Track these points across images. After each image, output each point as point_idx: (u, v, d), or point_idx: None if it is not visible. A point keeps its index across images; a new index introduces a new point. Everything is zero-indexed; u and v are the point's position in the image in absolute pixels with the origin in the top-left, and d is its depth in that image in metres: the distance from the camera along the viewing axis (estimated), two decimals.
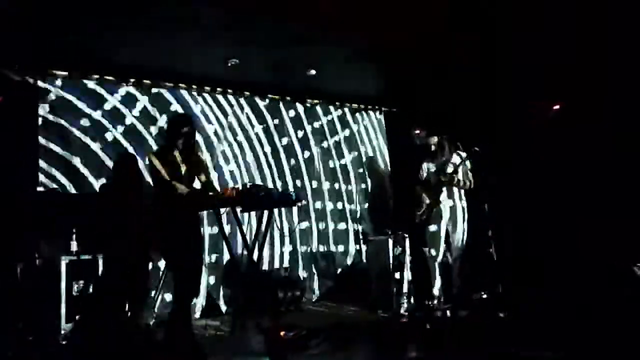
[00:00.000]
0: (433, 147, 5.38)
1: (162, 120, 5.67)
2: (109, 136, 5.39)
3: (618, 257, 4.55)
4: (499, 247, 5.10)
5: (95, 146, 5.29)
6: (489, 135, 5.69)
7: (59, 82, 5.21)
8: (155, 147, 5.46)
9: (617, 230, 4.70)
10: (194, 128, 3.91)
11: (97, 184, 5.18)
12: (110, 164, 5.25)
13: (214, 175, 5.56)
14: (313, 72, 5.77)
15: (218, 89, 6.09)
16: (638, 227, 4.54)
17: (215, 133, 6.05)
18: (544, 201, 5.37)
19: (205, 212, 5.28)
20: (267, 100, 6.50)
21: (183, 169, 3.74)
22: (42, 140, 5.02)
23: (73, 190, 5.08)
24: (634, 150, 4.76)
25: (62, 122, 5.15)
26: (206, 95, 6.06)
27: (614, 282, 4.45)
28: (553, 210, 5.27)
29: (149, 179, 4.10)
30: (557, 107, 5.45)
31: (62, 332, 4.15)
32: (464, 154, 5.14)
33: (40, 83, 5.08)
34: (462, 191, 5.26)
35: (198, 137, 4.94)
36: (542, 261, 5.21)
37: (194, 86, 5.91)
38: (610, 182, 4.90)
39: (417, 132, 6.23)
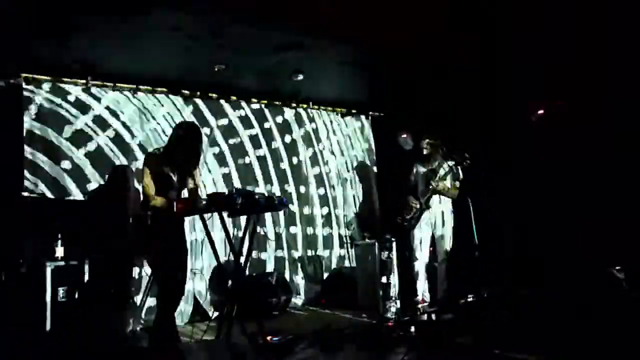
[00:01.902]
0: (424, 151, 5.43)
1: (150, 127, 5.68)
2: (94, 142, 5.37)
3: (617, 258, 4.59)
4: (499, 247, 5.14)
5: (81, 152, 5.28)
6: (489, 136, 5.73)
7: (45, 87, 5.18)
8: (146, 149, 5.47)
9: (617, 231, 4.74)
10: (200, 138, 3.88)
11: (79, 189, 5.17)
12: (95, 170, 5.25)
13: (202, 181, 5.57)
14: (300, 77, 5.79)
15: (205, 93, 6.09)
16: (637, 227, 4.59)
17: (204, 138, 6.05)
18: (543, 201, 5.40)
19: (193, 218, 5.28)
20: (255, 105, 6.52)
21: (176, 177, 3.73)
22: (26, 145, 4.99)
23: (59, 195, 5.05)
24: (634, 150, 4.81)
25: (48, 127, 5.13)
26: (193, 100, 6.05)
27: (612, 282, 4.49)
28: (553, 210, 5.30)
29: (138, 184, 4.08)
30: (541, 111, 5.51)
31: (47, 337, 4.11)
32: (452, 162, 5.18)
33: (25, 88, 5.05)
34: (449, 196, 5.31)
35: None
36: (542, 261, 5.24)
37: (181, 91, 5.91)
38: (609, 182, 4.94)
39: (404, 136, 6.30)
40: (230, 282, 4.05)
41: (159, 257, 3.60)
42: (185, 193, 3.99)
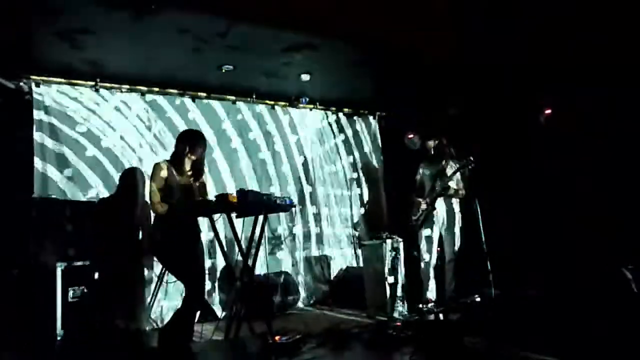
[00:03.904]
0: (429, 152, 5.43)
1: (157, 127, 5.72)
2: (103, 144, 5.41)
3: (615, 260, 4.58)
4: (498, 249, 5.13)
5: (90, 152, 5.32)
6: (489, 138, 5.73)
7: (54, 89, 5.23)
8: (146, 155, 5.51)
9: (615, 233, 4.74)
10: (206, 146, 3.97)
11: (89, 190, 5.21)
12: (105, 170, 5.30)
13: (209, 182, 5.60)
14: (307, 77, 5.81)
15: (212, 94, 6.13)
16: (635, 230, 4.59)
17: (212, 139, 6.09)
18: (543, 203, 5.40)
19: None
20: (262, 106, 6.54)
21: (187, 184, 3.78)
22: (36, 147, 5.04)
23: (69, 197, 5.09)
24: (631, 154, 4.82)
25: (57, 128, 5.18)
26: (201, 101, 6.08)
27: (610, 284, 4.48)
28: (553, 213, 5.30)
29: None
30: (549, 111, 5.51)
31: (58, 338, 4.16)
32: (458, 163, 5.18)
33: (35, 90, 5.10)
34: (456, 197, 5.32)
35: None
36: (542, 263, 5.24)
37: (189, 92, 5.94)
38: (609, 185, 4.94)
39: (410, 136, 6.31)
40: (238, 283, 4.07)
41: (179, 260, 3.62)
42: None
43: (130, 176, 4.40)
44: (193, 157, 3.83)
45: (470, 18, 4.70)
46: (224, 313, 5.46)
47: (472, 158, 5.08)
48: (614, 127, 4.98)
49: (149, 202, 3.75)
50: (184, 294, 3.67)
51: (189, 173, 3.83)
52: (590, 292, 4.45)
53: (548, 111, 5.53)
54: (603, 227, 4.83)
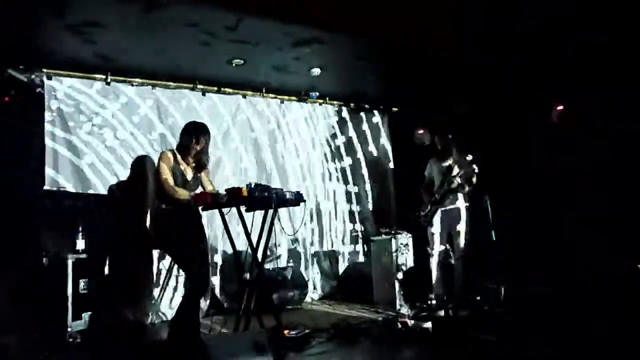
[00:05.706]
0: (438, 148, 5.42)
1: (168, 121, 5.74)
2: (114, 137, 5.43)
3: (617, 258, 4.57)
4: (502, 247, 5.13)
5: (101, 146, 5.35)
6: (489, 138, 5.72)
7: (65, 82, 5.25)
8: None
9: (616, 231, 4.72)
10: (209, 138, 3.97)
11: (100, 183, 5.24)
12: (114, 164, 5.32)
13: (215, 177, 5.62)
14: (317, 72, 5.80)
15: (222, 89, 6.13)
16: (635, 229, 4.57)
17: (222, 133, 6.10)
18: (544, 203, 5.39)
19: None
20: (272, 101, 6.54)
21: (190, 175, 3.79)
22: (48, 140, 5.08)
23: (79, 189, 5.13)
24: (631, 154, 4.80)
25: (69, 122, 5.21)
26: (211, 96, 6.09)
27: (614, 281, 4.47)
28: (553, 213, 5.29)
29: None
30: (560, 107, 5.49)
31: (69, 329, 4.19)
32: (468, 158, 5.16)
33: (46, 83, 5.12)
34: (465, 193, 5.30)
35: None
36: (544, 261, 5.23)
37: (199, 86, 5.95)
38: (609, 185, 4.92)
39: (420, 132, 6.29)
40: (248, 277, 4.08)
41: (182, 251, 3.63)
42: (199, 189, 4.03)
43: (140, 164, 4.38)
44: (197, 148, 3.84)
45: (470, 18, 4.68)
46: (226, 305, 5.49)
47: (477, 154, 5.07)
48: (614, 127, 4.97)
49: (164, 188, 3.67)
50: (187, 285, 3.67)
51: (193, 164, 3.85)
52: (591, 290, 4.45)
53: (560, 107, 5.49)
54: (603, 227, 4.82)
